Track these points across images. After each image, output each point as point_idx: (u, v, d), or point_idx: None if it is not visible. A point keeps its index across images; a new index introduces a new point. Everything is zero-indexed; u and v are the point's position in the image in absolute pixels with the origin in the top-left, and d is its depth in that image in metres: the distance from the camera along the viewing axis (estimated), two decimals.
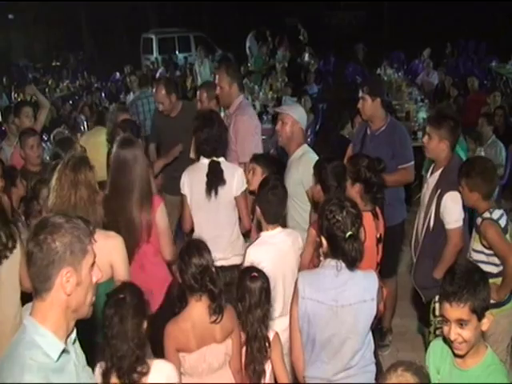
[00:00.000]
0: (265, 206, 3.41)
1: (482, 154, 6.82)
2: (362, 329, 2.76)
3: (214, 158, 3.99)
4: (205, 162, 4.00)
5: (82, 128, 8.45)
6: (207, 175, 3.95)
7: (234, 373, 2.90)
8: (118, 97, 12.53)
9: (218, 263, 3.10)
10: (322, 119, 9.42)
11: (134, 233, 3.49)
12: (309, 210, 4.14)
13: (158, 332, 2.81)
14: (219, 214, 4.03)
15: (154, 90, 5.56)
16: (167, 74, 13.69)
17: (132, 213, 3.49)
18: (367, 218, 3.32)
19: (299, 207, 4.25)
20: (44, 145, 6.89)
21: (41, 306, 1.86)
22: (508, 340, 3.52)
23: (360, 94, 4.54)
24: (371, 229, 3.42)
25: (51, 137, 7.21)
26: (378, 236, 3.55)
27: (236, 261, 3.98)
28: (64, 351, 1.86)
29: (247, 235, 4.30)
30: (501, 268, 3.49)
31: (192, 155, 4.53)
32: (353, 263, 2.71)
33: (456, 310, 2.22)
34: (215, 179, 3.95)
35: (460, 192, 3.60)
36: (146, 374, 2.41)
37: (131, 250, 3.38)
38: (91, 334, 2.67)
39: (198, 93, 5.52)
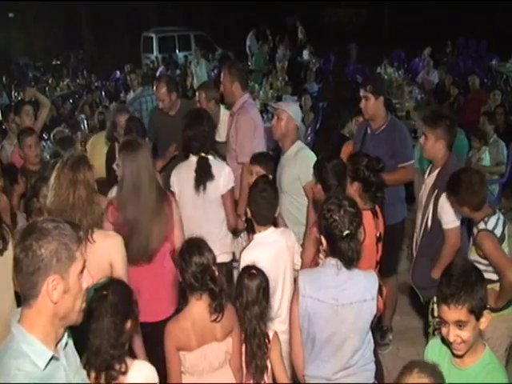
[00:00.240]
0: (255, 209, 3.42)
1: (487, 153, 6.84)
2: (362, 328, 2.76)
3: (203, 154, 4.04)
4: (193, 159, 4.08)
5: (82, 127, 8.46)
6: (196, 171, 4.02)
7: (234, 371, 2.90)
8: (118, 96, 12.53)
9: None
10: (323, 118, 9.41)
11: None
12: (306, 205, 4.18)
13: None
14: (207, 212, 4.08)
15: (155, 88, 5.54)
16: (167, 73, 13.67)
17: (155, 210, 3.45)
18: (367, 216, 3.32)
19: (296, 202, 4.30)
20: (44, 143, 6.92)
21: (28, 313, 1.83)
22: (506, 345, 3.48)
23: (362, 92, 4.53)
24: (371, 228, 3.42)
25: (51, 135, 7.23)
26: (378, 235, 3.54)
27: (224, 258, 4.02)
28: (53, 358, 1.84)
29: (235, 233, 4.35)
30: None
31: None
32: (349, 263, 2.71)
33: (454, 312, 2.22)
34: (204, 174, 4.01)
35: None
36: (124, 373, 2.41)
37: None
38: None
39: (196, 93, 5.54)
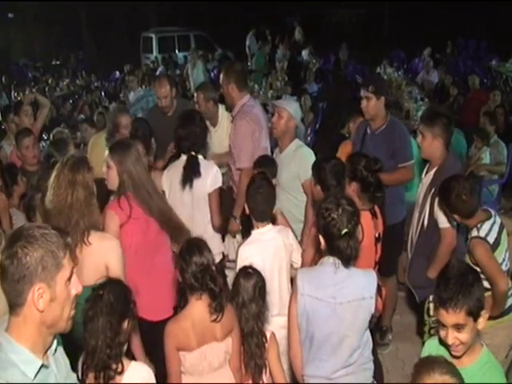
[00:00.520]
0: (252, 205, 3.45)
1: (487, 153, 6.85)
2: (360, 326, 2.76)
3: (193, 153, 4.08)
4: (184, 158, 4.11)
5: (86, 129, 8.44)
6: (184, 167, 4.06)
7: (233, 371, 2.90)
8: (117, 96, 12.52)
9: None
10: (322, 118, 9.43)
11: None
12: (304, 202, 4.20)
13: None
14: (194, 210, 4.11)
15: (156, 86, 5.51)
16: (167, 73, 13.67)
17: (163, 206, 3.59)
18: (365, 217, 3.32)
19: (295, 199, 4.33)
20: (44, 144, 6.91)
21: (16, 321, 1.81)
22: (505, 353, 3.44)
23: (363, 93, 4.53)
24: (369, 228, 3.42)
25: (51, 136, 7.22)
26: (377, 235, 3.54)
27: None
28: (42, 366, 1.81)
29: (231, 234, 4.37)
30: None
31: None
32: (348, 261, 2.71)
33: (452, 316, 2.22)
34: (191, 171, 4.04)
35: None
36: (120, 373, 2.40)
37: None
38: None
39: (194, 95, 5.54)
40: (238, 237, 4.51)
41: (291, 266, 3.55)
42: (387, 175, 4.08)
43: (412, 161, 4.47)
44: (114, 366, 2.38)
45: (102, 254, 2.97)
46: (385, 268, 3.90)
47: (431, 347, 2.50)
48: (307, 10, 23.03)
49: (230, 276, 4.12)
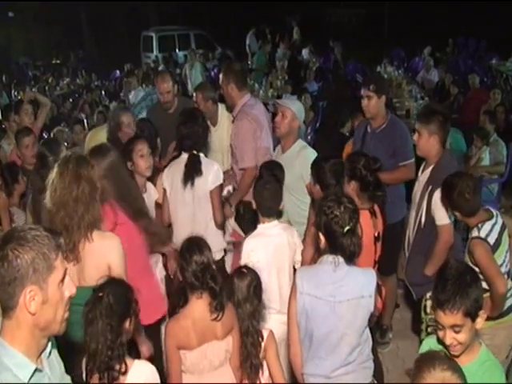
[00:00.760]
0: (259, 200, 3.50)
1: (487, 152, 6.84)
2: (359, 325, 2.76)
3: (194, 152, 4.09)
4: (185, 156, 4.11)
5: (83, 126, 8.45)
6: (185, 166, 4.06)
7: (234, 370, 2.90)
8: (117, 95, 12.53)
9: None
10: (322, 117, 9.43)
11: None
12: (306, 203, 4.18)
13: None
14: (195, 208, 4.11)
15: (158, 82, 5.50)
16: None
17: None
18: (364, 216, 3.31)
19: (297, 200, 4.31)
20: None
21: (8, 325, 1.79)
22: (506, 353, 3.43)
23: (364, 92, 4.53)
24: (368, 227, 3.41)
25: (51, 135, 7.22)
26: (376, 234, 3.54)
27: (215, 256, 4.02)
28: (36, 370, 1.80)
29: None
30: None
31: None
32: (351, 257, 2.72)
33: (450, 317, 2.22)
34: (192, 169, 4.05)
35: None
36: (124, 373, 2.40)
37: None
38: None
39: (194, 95, 5.54)
40: (231, 220, 4.56)
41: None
42: (388, 174, 4.08)
43: (412, 159, 4.47)
44: (117, 367, 2.38)
45: (104, 253, 2.96)
46: (385, 267, 3.90)
47: (429, 346, 2.49)
48: (307, 10, 23.01)
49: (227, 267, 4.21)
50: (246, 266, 3.03)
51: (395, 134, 4.47)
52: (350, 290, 2.72)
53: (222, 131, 5.23)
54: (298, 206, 4.30)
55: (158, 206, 4.24)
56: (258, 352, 2.92)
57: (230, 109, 5.12)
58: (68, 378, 2.11)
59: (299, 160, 4.31)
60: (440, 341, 2.35)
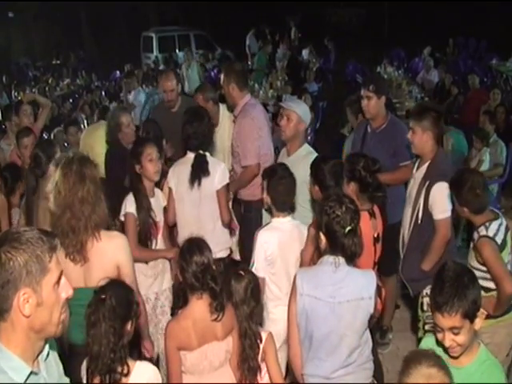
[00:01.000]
0: (274, 195, 3.50)
1: (487, 154, 6.83)
2: (359, 326, 2.76)
3: (200, 152, 4.07)
4: (191, 155, 4.10)
5: (82, 126, 8.45)
6: (192, 166, 4.05)
7: (234, 370, 2.90)
8: (117, 95, 12.53)
9: None
10: (323, 117, 9.43)
11: None
12: (308, 208, 4.15)
13: None
14: (201, 208, 4.11)
15: (162, 80, 5.50)
16: None
17: None
18: (364, 217, 3.30)
19: (299, 205, 4.25)
20: None
21: (4, 328, 1.77)
22: (506, 351, 3.42)
23: (364, 92, 4.52)
24: (368, 228, 3.41)
25: (51, 135, 7.22)
26: (376, 236, 3.53)
27: (221, 255, 4.04)
28: (32, 373, 1.79)
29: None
30: None
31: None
32: (352, 258, 2.73)
33: (448, 320, 2.22)
34: (199, 170, 4.04)
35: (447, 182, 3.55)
36: (126, 374, 2.40)
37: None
38: None
39: (193, 97, 5.55)
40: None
41: None
42: (388, 174, 4.08)
43: (413, 159, 4.47)
44: (119, 369, 2.38)
45: (112, 253, 2.94)
46: (385, 267, 3.90)
47: (428, 347, 2.49)
48: (307, 10, 23.03)
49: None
50: (242, 268, 3.02)
51: (395, 135, 4.47)
52: (349, 291, 2.72)
53: (223, 131, 5.24)
54: (298, 211, 4.27)
55: (166, 211, 4.18)
56: (256, 354, 2.90)
57: (230, 109, 5.12)
58: (66, 379, 2.10)
59: (305, 164, 4.20)
60: (438, 342, 2.35)
